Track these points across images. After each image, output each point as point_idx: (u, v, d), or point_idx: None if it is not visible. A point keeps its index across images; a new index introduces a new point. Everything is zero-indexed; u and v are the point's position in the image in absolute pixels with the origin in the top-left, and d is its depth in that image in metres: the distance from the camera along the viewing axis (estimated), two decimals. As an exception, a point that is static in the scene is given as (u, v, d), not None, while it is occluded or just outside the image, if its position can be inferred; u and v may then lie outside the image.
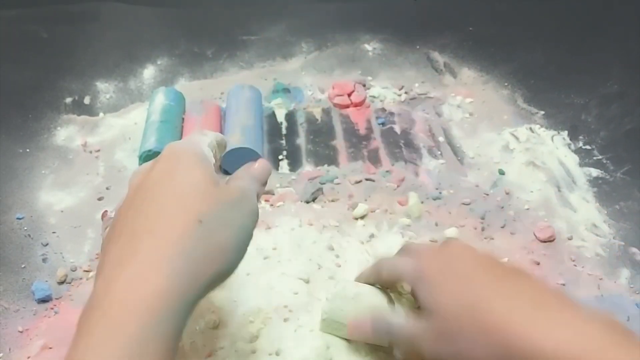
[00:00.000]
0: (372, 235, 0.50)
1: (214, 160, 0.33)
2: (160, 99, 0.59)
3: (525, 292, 0.31)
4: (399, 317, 0.36)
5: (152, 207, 0.27)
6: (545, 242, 0.51)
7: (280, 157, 0.59)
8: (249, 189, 0.32)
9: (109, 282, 0.25)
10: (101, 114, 0.64)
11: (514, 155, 0.60)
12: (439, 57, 0.73)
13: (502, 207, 0.54)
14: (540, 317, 0.29)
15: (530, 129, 0.63)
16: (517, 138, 0.62)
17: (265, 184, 0.35)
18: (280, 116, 0.64)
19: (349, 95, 0.66)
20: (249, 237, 0.30)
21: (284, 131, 0.62)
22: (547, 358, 0.27)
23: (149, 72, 0.69)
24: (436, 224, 0.52)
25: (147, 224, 0.27)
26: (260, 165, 0.35)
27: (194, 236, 0.26)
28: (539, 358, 0.27)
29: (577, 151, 0.61)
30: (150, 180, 0.29)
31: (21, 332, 0.44)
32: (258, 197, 0.33)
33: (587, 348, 0.27)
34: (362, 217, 0.52)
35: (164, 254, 0.25)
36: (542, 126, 0.64)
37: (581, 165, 0.60)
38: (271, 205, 0.53)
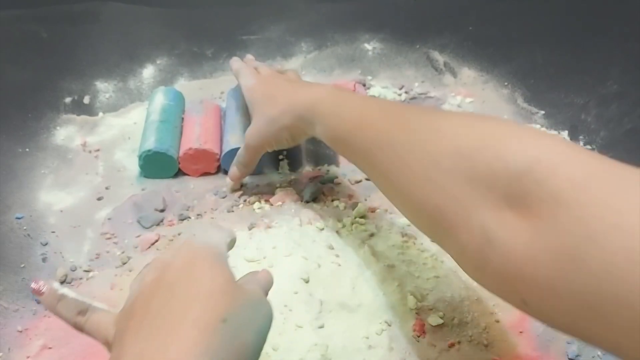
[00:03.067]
0: (372, 235, 0.50)
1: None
2: (160, 98, 0.59)
3: None
4: None
5: (176, 305, 0.27)
6: (545, 241, 0.51)
7: (280, 157, 0.59)
8: (263, 293, 0.32)
9: None
10: (101, 114, 0.64)
11: (514, 155, 0.60)
12: (439, 57, 0.73)
13: (502, 207, 0.54)
14: None
15: (530, 128, 0.63)
16: (517, 138, 0.62)
17: (267, 293, 0.34)
18: (280, 116, 0.64)
19: (349, 95, 0.66)
20: (264, 338, 0.30)
21: (283, 131, 0.62)
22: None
23: (148, 72, 0.69)
24: (436, 224, 0.52)
25: (171, 322, 0.26)
26: (264, 275, 0.34)
27: (219, 335, 0.26)
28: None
29: (577, 151, 0.61)
30: (171, 276, 0.29)
31: (21, 331, 0.44)
32: None
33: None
34: (362, 217, 0.52)
35: (188, 353, 0.25)
36: (542, 126, 0.64)
37: (581, 165, 0.60)
38: (271, 205, 0.53)
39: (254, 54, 0.72)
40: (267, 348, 0.41)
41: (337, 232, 0.50)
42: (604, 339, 0.24)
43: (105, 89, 0.67)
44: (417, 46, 0.74)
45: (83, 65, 0.69)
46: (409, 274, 0.47)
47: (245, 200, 0.54)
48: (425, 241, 0.50)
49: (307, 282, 0.45)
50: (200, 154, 0.55)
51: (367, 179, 0.56)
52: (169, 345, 0.25)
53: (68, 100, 0.65)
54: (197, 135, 0.56)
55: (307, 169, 0.58)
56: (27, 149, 0.58)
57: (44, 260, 0.49)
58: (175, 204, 0.54)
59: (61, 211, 0.53)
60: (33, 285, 0.32)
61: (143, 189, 0.55)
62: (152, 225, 0.52)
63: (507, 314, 0.45)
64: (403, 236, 0.51)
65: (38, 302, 0.45)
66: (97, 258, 0.49)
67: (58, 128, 0.61)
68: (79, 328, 0.31)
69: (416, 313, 0.45)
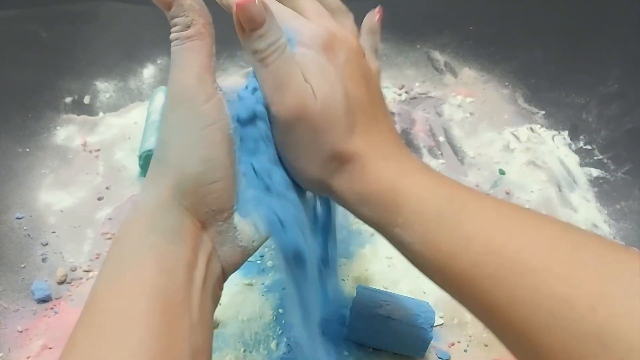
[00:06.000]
0: (372, 235, 0.50)
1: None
2: (160, 98, 0.59)
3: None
4: None
5: None
6: (545, 241, 0.51)
7: (280, 156, 0.58)
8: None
9: None
10: (101, 114, 0.63)
11: (514, 155, 0.60)
12: (439, 57, 0.73)
13: (503, 207, 0.54)
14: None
15: (531, 128, 0.63)
16: (517, 138, 0.62)
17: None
18: (280, 116, 0.64)
19: (349, 94, 0.66)
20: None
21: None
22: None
23: (148, 72, 0.69)
24: (436, 224, 0.52)
25: None
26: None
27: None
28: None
29: (578, 151, 0.61)
30: None
31: (21, 332, 0.44)
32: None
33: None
34: (362, 217, 0.52)
35: None
36: (542, 126, 0.64)
37: (582, 165, 0.60)
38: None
39: (254, 54, 0.72)
40: (267, 349, 0.41)
41: (336, 232, 0.50)
42: None
43: (105, 88, 0.67)
44: (418, 46, 0.74)
45: (83, 65, 0.68)
46: (409, 274, 0.47)
47: (245, 200, 0.54)
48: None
49: (307, 282, 0.45)
50: (201, 154, 0.55)
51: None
52: None
53: (68, 100, 0.64)
54: (197, 135, 0.56)
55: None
56: (27, 149, 0.58)
57: (44, 260, 0.49)
58: (175, 203, 0.53)
59: (61, 211, 0.53)
60: None
61: (143, 189, 0.55)
62: (152, 225, 0.52)
63: (507, 314, 0.45)
64: (403, 236, 0.51)
65: (38, 302, 0.45)
66: (97, 258, 0.49)
67: (58, 128, 0.61)
68: None
69: (416, 313, 0.45)
